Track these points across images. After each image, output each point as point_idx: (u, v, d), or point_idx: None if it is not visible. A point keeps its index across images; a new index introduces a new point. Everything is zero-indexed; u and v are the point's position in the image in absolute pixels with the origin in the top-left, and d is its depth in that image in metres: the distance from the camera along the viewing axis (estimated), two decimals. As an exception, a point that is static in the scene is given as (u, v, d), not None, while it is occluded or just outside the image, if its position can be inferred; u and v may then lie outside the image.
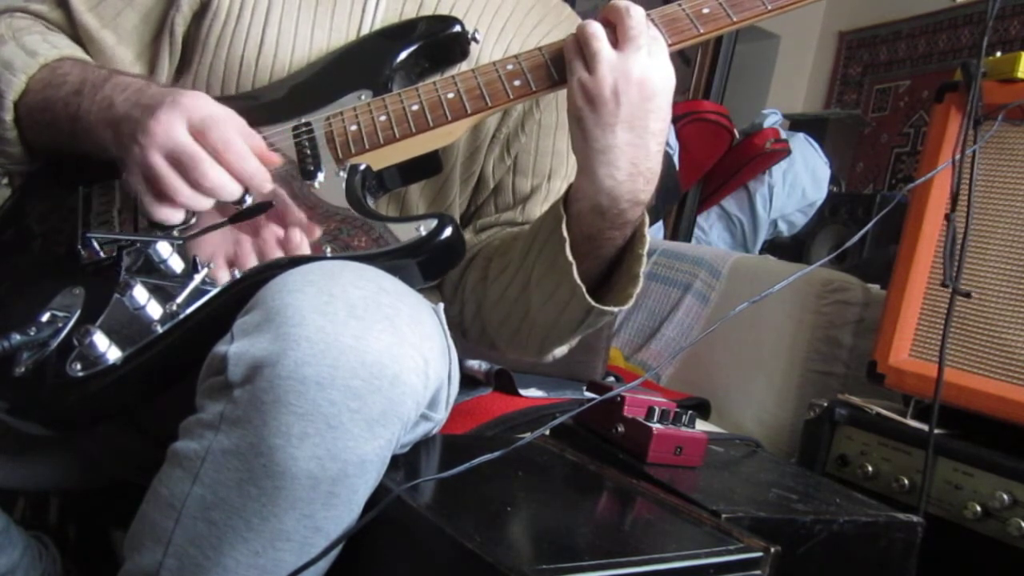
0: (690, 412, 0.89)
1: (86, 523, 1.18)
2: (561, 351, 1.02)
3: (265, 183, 0.81)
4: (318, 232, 0.84)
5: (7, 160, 0.93)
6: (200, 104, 0.79)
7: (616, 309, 0.90)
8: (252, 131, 0.82)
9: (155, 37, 0.97)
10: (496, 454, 0.71)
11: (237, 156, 0.79)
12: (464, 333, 1.06)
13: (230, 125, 0.79)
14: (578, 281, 0.87)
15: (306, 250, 0.82)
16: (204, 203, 0.79)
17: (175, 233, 0.83)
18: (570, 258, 0.86)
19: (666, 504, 0.76)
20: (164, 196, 0.78)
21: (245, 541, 0.66)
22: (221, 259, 0.83)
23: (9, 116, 0.88)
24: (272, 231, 0.83)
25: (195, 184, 0.77)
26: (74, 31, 0.96)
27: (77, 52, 0.93)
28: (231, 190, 0.79)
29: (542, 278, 0.91)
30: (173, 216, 0.80)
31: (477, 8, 1.01)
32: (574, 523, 0.73)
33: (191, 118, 0.78)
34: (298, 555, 0.67)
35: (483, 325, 1.03)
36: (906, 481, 1.18)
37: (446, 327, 0.90)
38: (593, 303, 0.88)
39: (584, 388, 1.07)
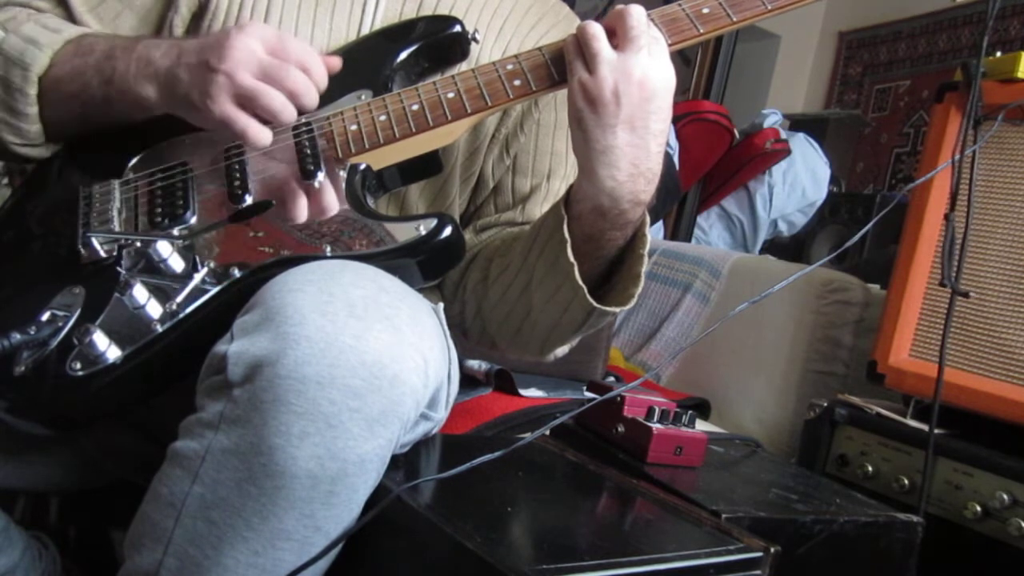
0: (690, 412, 0.89)
1: (86, 523, 1.18)
2: (562, 351, 1.02)
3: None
4: (319, 232, 0.84)
5: (21, 139, 0.92)
6: (262, 26, 0.83)
7: (618, 309, 0.90)
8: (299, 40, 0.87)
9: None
10: (496, 454, 0.71)
11: (315, 62, 0.85)
12: (465, 333, 1.06)
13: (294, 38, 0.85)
14: (580, 282, 0.87)
15: (306, 250, 0.82)
16: (293, 113, 0.83)
17: (175, 232, 0.83)
18: (572, 259, 0.86)
19: (666, 504, 0.76)
20: (256, 115, 0.82)
21: (245, 540, 0.66)
22: (221, 258, 0.82)
23: (33, 90, 0.88)
24: (272, 230, 0.83)
25: (290, 92, 0.82)
26: None
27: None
28: (312, 95, 0.84)
29: (543, 279, 0.91)
30: (265, 137, 0.83)
31: (476, 8, 1.01)
32: (574, 523, 0.73)
33: (264, 37, 0.82)
34: (298, 554, 0.67)
35: (484, 325, 1.03)
36: (906, 481, 1.18)
37: (446, 327, 0.90)
38: (595, 304, 0.88)
39: (584, 388, 1.07)
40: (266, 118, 0.83)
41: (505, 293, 0.97)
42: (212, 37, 0.83)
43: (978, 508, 1.10)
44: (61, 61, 0.89)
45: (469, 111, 0.87)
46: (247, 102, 0.81)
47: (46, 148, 0.94)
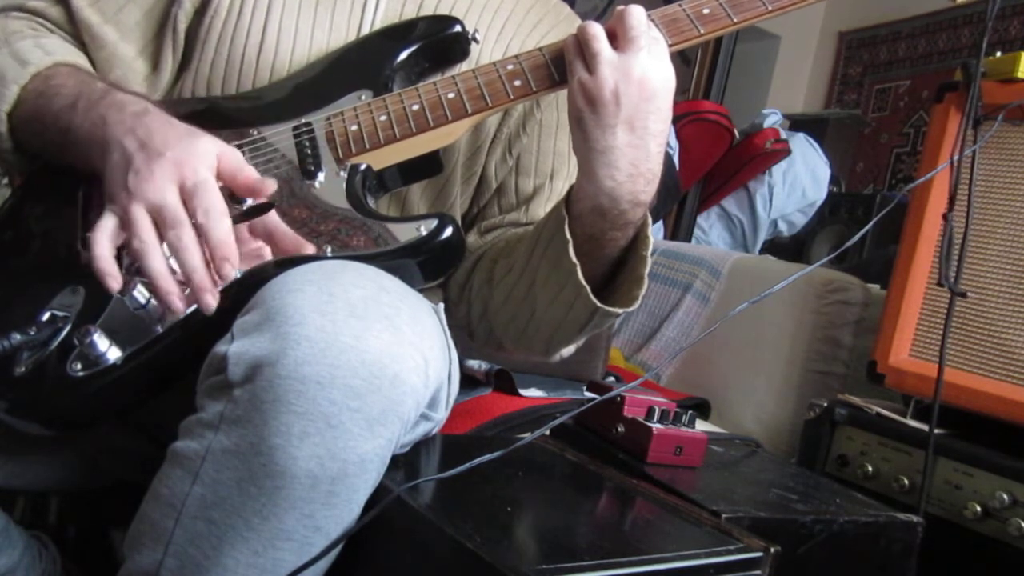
0: (690, 412, 0.89)
1: (86, 523, 1.18)
2: (568, 351, 1.02)
3: (228, 260, 0.74)
4: (318, 232, 0.84)
5: (8, 167, 0.93)
6: (196, 166, 0.75)
7: (622, 310, 0.90)
8: (244, 164, 0.79)
9: (157, 33, 0.96)
10: (496, 454, 0.71)
11: (215, 228, 0.74)
12: (471, 334, 1.06)
13: (217, 193, 0.75)
14: (583, 282, 0.87)
15: (307, 250, 0.82)
16: (159, 264, 0.74)
17: None
18: (574, 259, 0.86)
19: (666, 504, 0.76)
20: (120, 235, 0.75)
21: (245, 541, 0.66)
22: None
23: (3, 127, 0.88)
24: (273, 231, 0.83)
25: (170, 242, 0.74)
26: (74, 28, 0.95)
27: (72, 56, 0.92)
28: (194, 262, 0.73)
29: (547, 279, 0.91)
30: (109, 285, 0.74)
31: (477, 8, 1.01)
32: (574, 523, 0.73)
33: (184, 183, 0.74)
34: (298, 555, 0.67)
35: (490, 326, 1.03)
36: (906, 481, 1.18)
37: (446, 327, 0.90)
38: (598, 303, 0.88)
39: (584, 388, 1.07)
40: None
41: (510, 294, 0.97)
42: (159, 136, 0.77)
43: (978, 508, 1.10)
44: (27, 99, 0.87)
45: (469, 111, 0.87)
46: (127, 231, 0.74)
47: (37, 165, 0.94)
